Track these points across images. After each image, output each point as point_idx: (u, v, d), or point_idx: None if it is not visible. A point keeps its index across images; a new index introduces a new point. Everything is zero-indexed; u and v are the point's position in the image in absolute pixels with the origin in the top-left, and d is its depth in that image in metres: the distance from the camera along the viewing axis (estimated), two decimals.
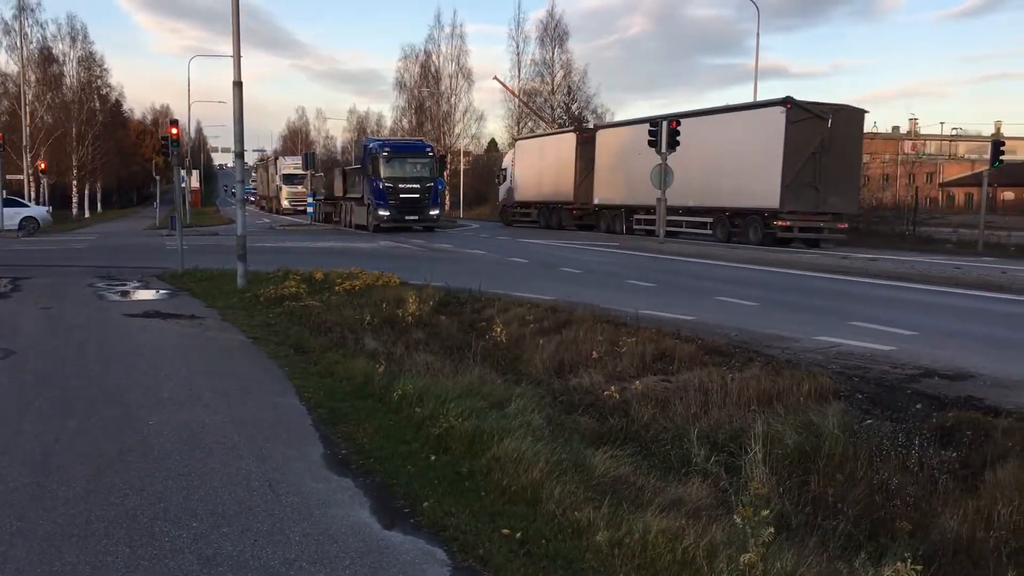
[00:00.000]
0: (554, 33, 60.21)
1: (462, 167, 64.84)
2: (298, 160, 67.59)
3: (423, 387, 7.40)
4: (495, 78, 62.89)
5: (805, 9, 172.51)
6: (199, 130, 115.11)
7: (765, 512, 4.32)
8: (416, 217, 37.79)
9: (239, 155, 16.62)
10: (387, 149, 38.32)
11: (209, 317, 12.49)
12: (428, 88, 67.17)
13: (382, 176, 37.25)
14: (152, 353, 9.84)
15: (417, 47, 70.57)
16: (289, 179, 69.92)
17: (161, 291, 15.81)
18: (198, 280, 16.92)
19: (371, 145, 39.96)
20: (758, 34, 49.61)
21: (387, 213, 37.26)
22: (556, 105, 59.80)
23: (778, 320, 11.78)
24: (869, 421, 6.95)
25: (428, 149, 40.04)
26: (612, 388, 8.26)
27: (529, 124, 59.31)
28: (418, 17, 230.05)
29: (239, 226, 16.37)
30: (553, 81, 60.10)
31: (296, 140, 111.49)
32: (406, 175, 37.55)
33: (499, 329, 10.88)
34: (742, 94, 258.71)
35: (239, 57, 15.96)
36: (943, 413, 6.87)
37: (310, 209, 50.62)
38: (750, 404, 7.48)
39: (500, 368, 9.54)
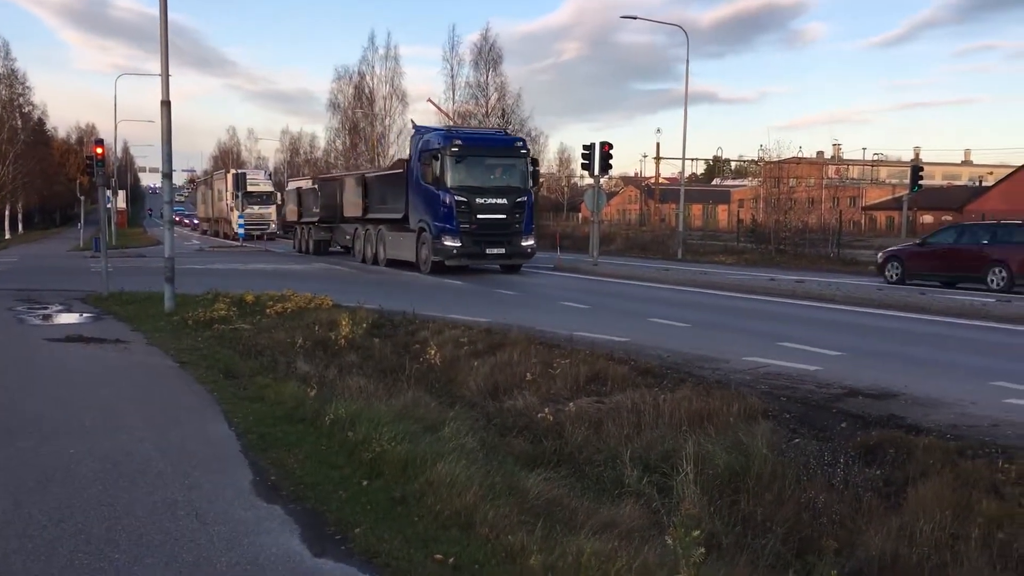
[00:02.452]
0: (488, 56, 60.42)
1: None
2: (258, 173, 60.65)
3: (356, 411, 7.31)
4: (429, 100, 62.90)
5: (733, 37, 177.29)
6: (126, 149, 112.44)
7: (696, 532, 4.35)
8: (502, 250, 24.56)
9: (167, 175, 16.31)
10: (459, 142, 24.34)
11: (135, 341, 12.17)
12: (362, 109, 66.82)
13: (449, 185, 23.96)
14: (74, 379, 9.54)
15: (351, 68, 69.90)
16: (247, 197, 54.36)
17: (85, 314, 15.36)
18: (124, 303, 16.50)
19: (429, 136, 26.08)
20: (687, 61, 50.53)
21: (457, 244, 23.99)
22: (491, 128, 60.02)
23: (709, 341, 11.97)
24: (797, 440, 7.09)
25: (519, 144, 25.83)
26: (546, 410, 8.29)
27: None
28: (352, 38, 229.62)
29: (167, 247, 16.02)
30: (487, 104, 60.26)
31: (227, 160, 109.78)
32: (487, 184, 24.56)
33: (433, 351, 10.84)
34: (672, 118, 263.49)
35: (167, 76, 15.70)
36: (867, 432, 7.04)
37: (240, 230, 48.81)
38: (682, 425, 7.57)
39: (434, 391, 9.50)
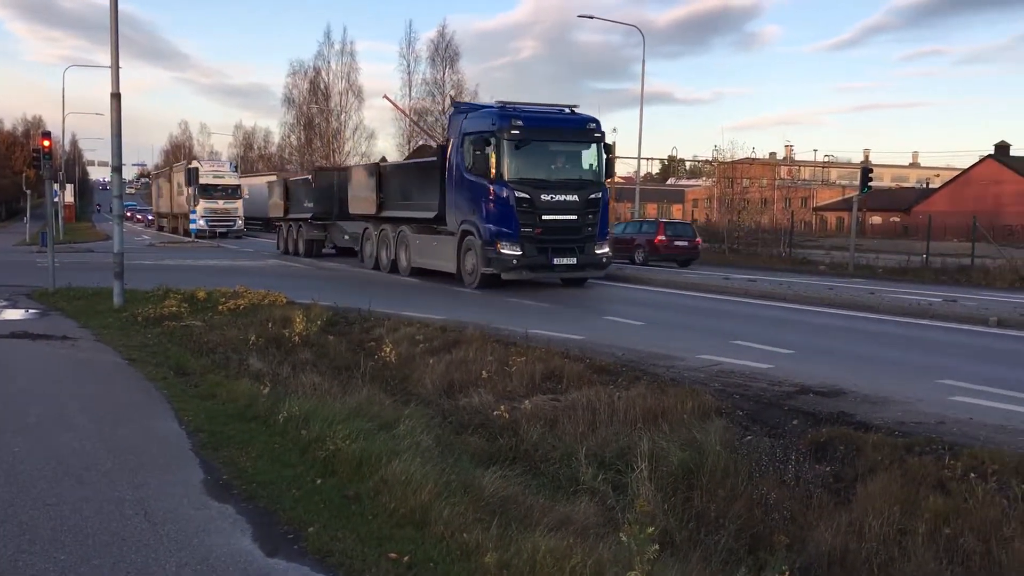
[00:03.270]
0: (445, 53, 60.23)
1: None
2: (223, 165, 55.48)
3: (310, 409, 7.23)
4: (385, 96, 62.47)
5: (689, 38, 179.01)
6: (75, 143, 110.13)
7: (650, 529, 4.37)
8: (573, 259, 19.41)
9: (116, 169, 15.99)
10: (519, 123, 18.95)
11: (83, 338, 11.92)
12: (317, 105, 66.29)
13: (507, 177, 18.80)
14: (19, 376, 9.31)
15: (306, 63, 69.32)
16: (209, 191, 49.89)
17: (30, 310, 15.00)
18: (71, 299, 16.14)
19: (478, 116, 20.37)
20: (643, 61, 50.49)
21: (517, 252, 18.80)
22: (447, 125, 59.88)
23: (664, 339, 12.06)
24: (749, 437, 7.18)
25: (592, 126, 20.05)
26: (502, 408, 8.28)
27: (420, 143, 59.15)
28: (308, 33, 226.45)
29: (116, 243, 15.70)
30: (444, 101, 60.09)
31: (179, 154, 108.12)
32: (553, 176, 19.45)
33: (389, 349, 10.78)
34: (629, 117, 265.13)
35: (117, 68, 15.39)
36: (817, 429, 7.14)
37: (193, 225, 47.54)
38: (637, 422, 7.62)
39: (389, 388, 9.45)
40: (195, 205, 48.26)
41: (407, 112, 61.11)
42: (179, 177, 54.24)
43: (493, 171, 18.72)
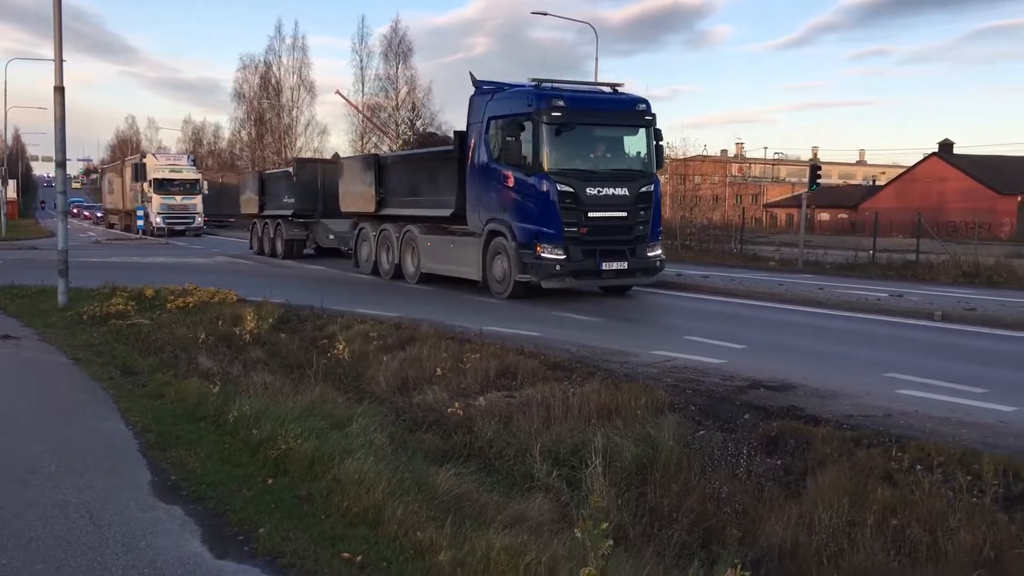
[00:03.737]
0: (398, 49, 60.03)
1: None
2: (180, 158, 52.02)
3: (260, 408, 7.13)
4: (337, 92, 61.97)
5: (642, 36, 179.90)
6: (17, 137, 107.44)
7: (604, 525, 4.38)
8: (624, 264, 16.37)
9: (60, 164, 15.62)
10: (560, 103, 16.09)
11: (25, 337, 11.63)
12: (268, 100, 65.58)
13: (547, 167, 15.90)
14: None
15: (257, 57, 68.43)
16: (165, 186, 46.74)
17: None
18: (13, 297, 15.74)
19: (511, 96, 17.15)
20: (596, 58, 50.76)
21: (560, 256, 15.84)
22: (400, 121, 59.59)
23: (618, 335, 12.12)
24: (702, 432, 7.23)
25: (643, 107, 17.13)
26: (456, 405, 8.26)
27: (373, 139, 58.84)
28: (259, 27, 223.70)
29: (60, 239, 15.34)
30: (397, 97, 59.87)
31: (126, 149, 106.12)
32: (600, 166, 16.69)
33: (342, 346, 10.68)
34: None
35: (61, 61, 15.03)
36: (768, 423, 7.22)
37: (140, 221, 46.26)
38: (591, 418, 7.64)
39: (343, 386, 9.37)
40: (143, 201, 46.93)
41: (360, 108, 60.74)
42: (138, 172, 49.99)
43: (529, 161, 15.82)
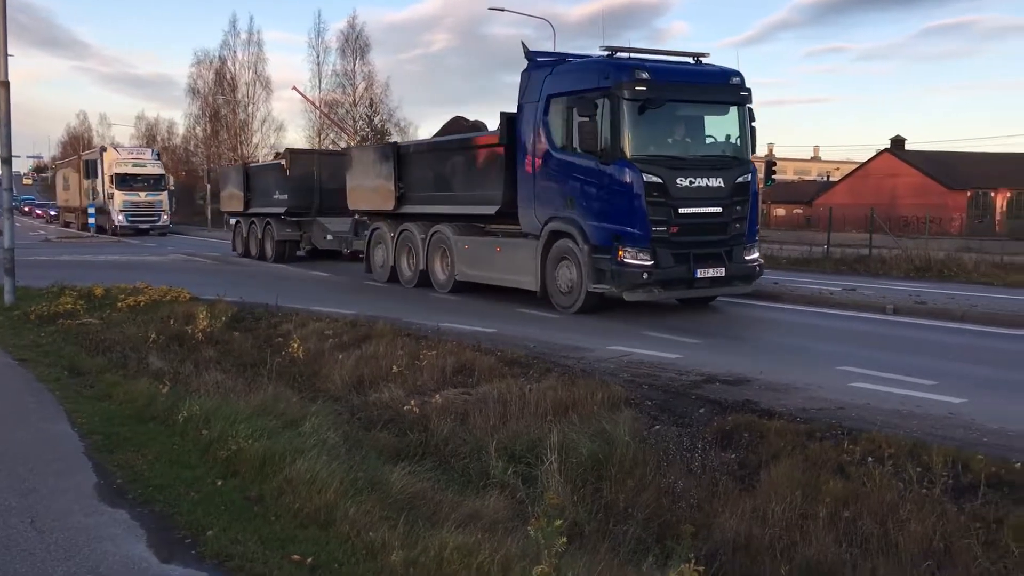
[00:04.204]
0: (355, 44, 59.59)
1: None
2: (144, 152, 48.81)
3: (211, 408, 7.01)
4: (294, 88, 61.36)
5: (600, 33, 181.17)
6: None
7: (558, 522, 4.35)
8: (720, 270, 13.63)
9: (6, 161, 15.23)
10: (645, 75, 13.21)
11: None
12: (224, 95, 64.69)
13: (630, 153, 13.13)
14: None
15: (212, 52, 67.50)
16: (128, 182, 43.86)
17: None
18: None
19: (580, 68, 14.56)
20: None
21: (647, 261, 13.03)
22: (358, 117, 59.19)
23: (575, 330, 12.11)
24: (657, 427, 7.25)
25: (737, 81, 14.34)
26: (412, 402, 8.19)
27: (331, 135, 58.38)
28: (214, 21, 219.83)
29: (6, 238, 14.97)
30: (355, 93, 59.45)
31: (77, 146, 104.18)
32: (690, 152, 14.16)
33: (296, 345, 10.55)
34: None
35: (6, 55, 14.67)
36: (724, 417, 7.25)
37: (92, 219, 45.05)
38: (547, 414, 7.62)
39: (297, 385, 9.27)
40: (94, 198, 45.77)
41: (317, 104, 60.21)
42: (98, 167, 47.44)
43: (606, 146, 13.02)
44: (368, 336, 10.97)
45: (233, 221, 30.29)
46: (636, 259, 12.91)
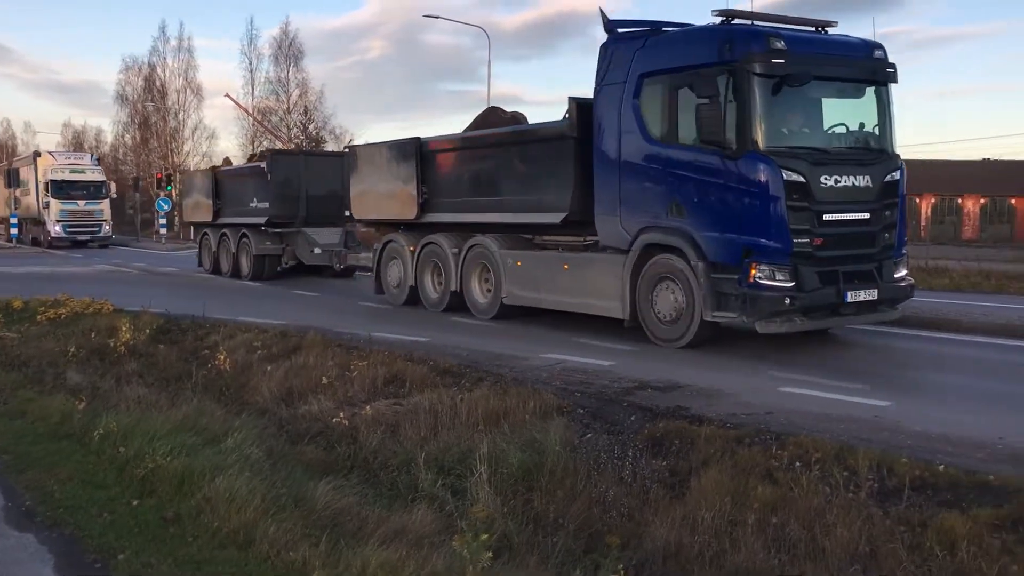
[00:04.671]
0: (289, 51, 58.73)
1: None
2: (82, 157, 45.51)
3: (129, 424, 6.76)
4: (227, 95, 60.27)
5: (536, 41, 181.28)
6: None
7: (485, 536, 4.27)
8: (873, 292, 10.64)
9: None
10: (780, 45, 10.10)
11: None
12: (153, 103, 63.27)
13: (763, 144, 10.11)
14: None
15: (140, 59, 65.86)
16: (65, 189, 40.21)
17: None
18: None
19: (681, 41, 11.43)
20: (489, 62, 50.77)
21: (787, 283, 10.00)
22: (292, 124, 58.41)
23: (509, 338, 12.04)
24: (589, 435, 7.20)
25: (879, 54, 11.18)
26: (342, 414, 8.04)
27: (264, 143, 57.46)
28: (142, 27, 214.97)
29: None
30: (289, 100, 58.65)
31: (0, 155, 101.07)
32: (832, 142, 11.07)
33: (223, 357, 10.29)
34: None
35: None
36: (655, 424, 7.24)
37: (14, 230, 43.26)
38: (479, 424, 7.53)
39: (224, 398, 9.05)
40: (16, 208, 44.09)
41: (250, 111, 59.28)
42: (26, 173, 44.06)
43: (729, 135, 10.19)
44: (298, 347, 10.76)
45: (199, 234, 26.40)
46: (774, 279, 10.06)
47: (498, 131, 14.70)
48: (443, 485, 6.26)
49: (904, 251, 11.64)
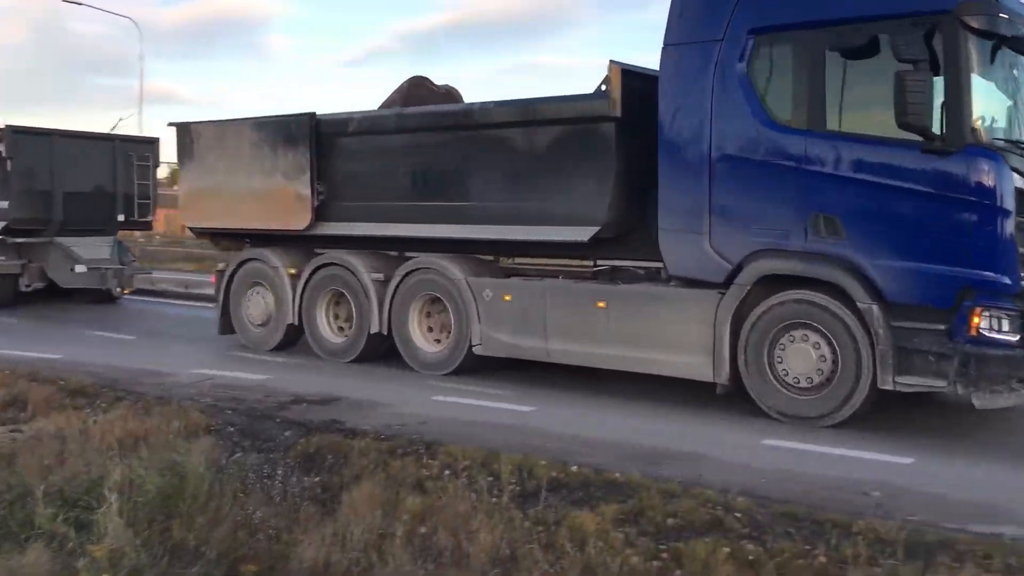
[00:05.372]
0: None
1: None
2: None
3: None
4: None
5: (192, 39, 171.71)
6: None
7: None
8: None
9: None
10: None
11: None
12: None
13: (982, 138, 7.10)
14: None
15: None
16: None
17: None
18: None
19: None
20: (142, 56, 46.87)
21: (1014, 336, 7.03)
22: None
23: (154, 353, 11.23)
24: (238, 454, 6.88)
25: None
26: None
27: None
28: None
29: None
30: None
31: None
32: None
33: None
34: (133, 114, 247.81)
35: None
36: (308, 439, 7.09)
37: None
38: (114, 449, 6.89)
39: None
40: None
41: None
42: None
43: (936, 121, 7.12)
44: None
45: None
46: (1001, 331, 7.18)
47: (471, 107, 10.53)
48: (65, 520, 5.60)
49: None
